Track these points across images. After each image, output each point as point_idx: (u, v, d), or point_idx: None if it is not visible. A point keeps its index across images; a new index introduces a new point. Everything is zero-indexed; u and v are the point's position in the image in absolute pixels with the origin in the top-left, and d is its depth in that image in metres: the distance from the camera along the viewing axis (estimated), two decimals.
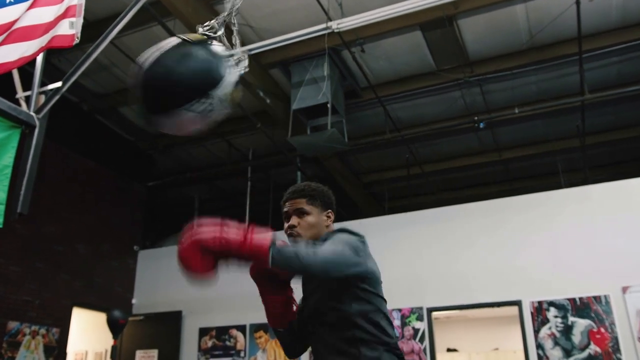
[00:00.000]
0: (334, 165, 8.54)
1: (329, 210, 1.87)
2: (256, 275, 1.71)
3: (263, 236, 1.45)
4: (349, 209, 9.38)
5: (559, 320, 5.60)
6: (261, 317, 8.22)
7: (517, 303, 5.87)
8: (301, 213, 1.81)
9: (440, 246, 6.48)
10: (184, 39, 1.66)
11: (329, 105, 6.13)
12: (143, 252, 8.37)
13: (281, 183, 9.17)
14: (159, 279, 8.01)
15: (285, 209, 1.85)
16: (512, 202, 6.48)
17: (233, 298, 7.37)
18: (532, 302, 5.78)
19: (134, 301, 8.04)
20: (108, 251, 7.79)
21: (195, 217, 9.79)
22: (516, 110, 6.68)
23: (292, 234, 1.79)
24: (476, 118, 6.87)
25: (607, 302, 5.48)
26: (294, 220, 1.81)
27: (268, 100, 6.76)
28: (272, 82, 6.98)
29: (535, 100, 7.12)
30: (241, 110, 6.98)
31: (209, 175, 9.15)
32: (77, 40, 2.83)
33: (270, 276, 1.68)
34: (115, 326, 6.43)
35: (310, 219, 1.80)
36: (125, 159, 8.51)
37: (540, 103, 7.01)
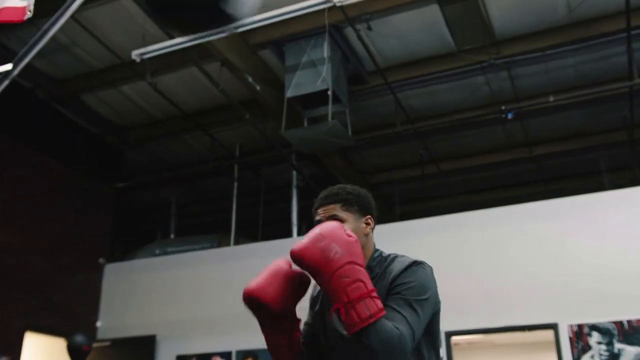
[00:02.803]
0: (336, 163, 8.52)
1: (368, 216, 1.91)
2: (253, 307, 1.81)
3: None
4: None
5: (604, 347, 5.57)
6: (249, 342, 8.18)
7: (553, 326, 5.84)
8: (335, 220, 1.83)
9: (460, 258, 6.44)
10: None
11: (329, 93, 6.10)
12: (110, 265, 8.34)
13: (273, 184, 9.15)
14: (129, 298, 7.97)
15: (317, 217, 1.89)
16: (546, 207, 6.45)
17: (216, 319, 7.34)
18: (571, 326, 5.75)
19: (98, 324, 8.00)
20: (69, 265, 7.75)
21: (172, 223, 9.79)
22: (551, 98, 6.65)
23: None
24: (503, 107, 6.84)
25: None
26: None
27: (258, 87, 6.74)
28: (263, 65, 6.95)
29: (573, 86, 7.09)
30: (226, 99, 6.96)
31: (188, 175, 9.13)
32: (29, 14, 2.80)
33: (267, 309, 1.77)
34: (77, 354, 6.38)
35: (346, 227, 1.80)
36: (90, 156, 8.48)
37: (579, 89, 6.98)
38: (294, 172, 8.33)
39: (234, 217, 8.36)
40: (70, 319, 7.57)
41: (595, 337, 5.63)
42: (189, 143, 8.76)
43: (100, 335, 7.91)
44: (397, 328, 1.60)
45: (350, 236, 1.66)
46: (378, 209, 2.00)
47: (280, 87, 6.76)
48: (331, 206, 1.88)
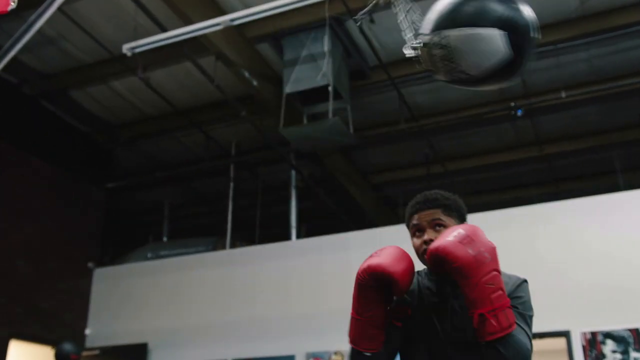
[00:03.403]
0: (336, 162, 8.50)
1: (465, 223, 1.96)
2: (371, 281, 1.78)
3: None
4: (355, 217, 9.34)
5: (619, 356, 5.55)
6: (246, 350, 8.13)
7: (565, 334, 5.82)
8: (438, 226, 1.90)
9: None
10: None
11: (330, 89, 6.10)
12: (100, 270, 8.32)
13: (271, 184, 9.14)
14: (120, 304, 7.96)
15: (415, 222, 1.95)
16: (558, 208, 6.44)
17: (211, 327, 7.33)
18: (584, 333, 5.73)
19: (87, 331, 7.99)
20: (56, 269, 7.74)
21: (165, 226, 9.78)
22: (563, 94, 6.63)
23: None
24: (512, 104, 6.82)
25: None
26: (430, 234, 1.90)
27: (255, 82, 6.72)
28: (260, 59, 6.94)
29: (586, 81, 7.08)
30: (221, 95, 6.95)
31: (182, 175, 9.12)
32: (13, 5, 2.78)
33: (389, 285, 1.78)
34: None
35: None
36: (79, 155, 8.46)
37: (592, 85, 6.97)
38: (293, 172, 8.32)
39: (230, 219, 8.35)
40: (57, 327, 7.55)
41: (609, 346, 5.61)
42: (183, 141, 8.74)
43: (89, 343, 7.89)
44: (526, 342, 1.72)
45: (490, 242, 1.73)
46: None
47: (279, 83, 6.75)
48: (432, 211, 1.92)
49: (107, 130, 8.52)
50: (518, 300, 1.82)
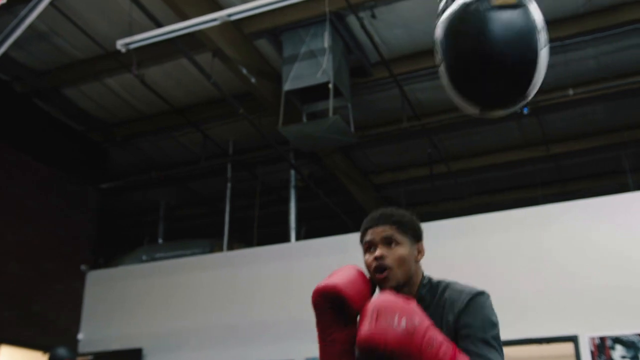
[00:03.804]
0: (337, 162, 8.50)
1: (421, 243, 1.96)
2: (326, 303, 1.79)
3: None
4: (356, 218, 9.33)
5: None
6: (244, 355, 8.11)
7: (573, 339, 5.82)
8: (390, 242, 1.89)
9: (471, 265, 6.42)
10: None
11: (330, 86, 6.09)
12: (93, 273, 8.32)
13: (270, 184, 9.13)
14: (114, 308, 7.96)
15: (367, 238, 1.93)
16: (565, 209, 6.43)
17: (208, 331, 7.32)
18: (592, 338, 5.73)
19: (80, 336, 7.99)
20: (48, 272, 7.74)
21: (160, 227, 9.77)
22: (570, 92, 6.63)
23: (381, 267, 1.85)
24: None
25: None
26: (382, 251, 1.87)
27: (253, 79, 6.72)
28: (259, 56, 6.94)
29: (594, 78, 7.08)
30: (218, 92, 6.94)
31: (178, 175, 9.11)
32: (3, 0, 2.78)
33: (343, 305, 1.77)
34: None
35: (401, 250, 1.88)
36: (72, 155, 8.46)
37: (601, 82, 6.97)
38: (292, 172, 8.31)
39: (228, 220, 8.34)
40: (49, 331, 7.55)
41: (619, 351, 5.60)
42: (179, 140, 8.73)
43: (81, 348, 7.88)
44: None
45: (405, 298, 1.69)
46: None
47: (278, 80, 6.74)
48: (386, 227, 1.91)
49: (101, 129, 8.52)
50: (469, 329, 1.75)
